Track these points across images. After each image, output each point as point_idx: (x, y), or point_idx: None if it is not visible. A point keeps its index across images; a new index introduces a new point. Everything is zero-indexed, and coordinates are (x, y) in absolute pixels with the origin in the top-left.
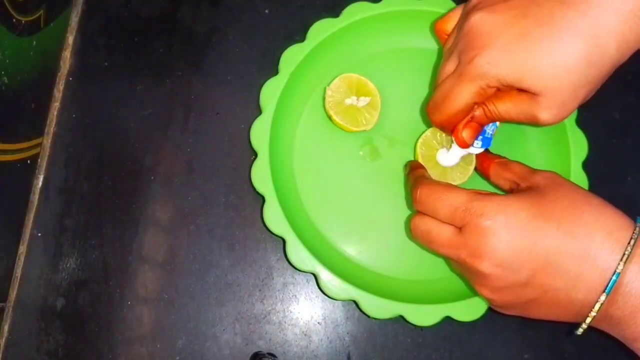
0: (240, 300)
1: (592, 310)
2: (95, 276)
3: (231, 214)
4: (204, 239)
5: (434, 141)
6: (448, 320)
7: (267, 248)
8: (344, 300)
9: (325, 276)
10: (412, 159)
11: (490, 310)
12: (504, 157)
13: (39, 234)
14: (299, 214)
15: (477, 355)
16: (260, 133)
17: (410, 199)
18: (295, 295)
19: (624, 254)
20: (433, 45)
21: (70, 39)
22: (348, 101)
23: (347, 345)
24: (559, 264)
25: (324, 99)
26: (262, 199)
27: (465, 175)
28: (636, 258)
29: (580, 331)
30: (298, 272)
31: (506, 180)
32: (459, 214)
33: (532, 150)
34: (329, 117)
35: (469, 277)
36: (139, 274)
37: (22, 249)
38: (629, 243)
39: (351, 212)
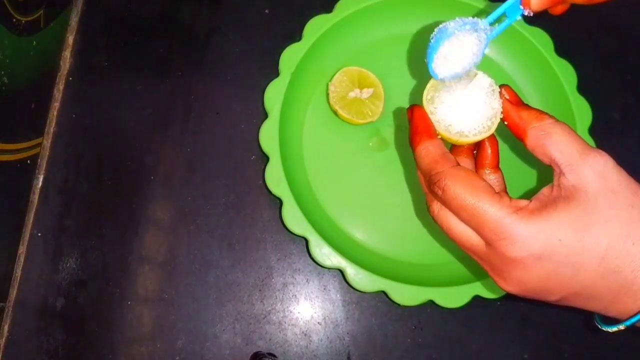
0: (240, 300)
1: (619, 325)
2: (95, 276)
3: (231, 214)
4: (204, 239)
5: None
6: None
7: (267, 248)
8: (372, 292)
9: (352, 270)
10: None
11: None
12: (542, 113)
13: (39, 234)
14: (316, 212)
15: (477, 355)
16: (269, 136)
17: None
18: (295, 295)
19: None
20: (426, 29)
21: (70, 39)
22: (352, 94)
23: (347, 345)
24: (594, 294)
25: (327, 94)
26: (280, 202)
27: (484, 131)
28: None
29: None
30: (298, 272)
31: (547, 157)
32: (486, 232)
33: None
34: (335, 112)
35: (491, 276)
36: (139, 274)
37: (22, 249)
38: None
39: (368, 204)
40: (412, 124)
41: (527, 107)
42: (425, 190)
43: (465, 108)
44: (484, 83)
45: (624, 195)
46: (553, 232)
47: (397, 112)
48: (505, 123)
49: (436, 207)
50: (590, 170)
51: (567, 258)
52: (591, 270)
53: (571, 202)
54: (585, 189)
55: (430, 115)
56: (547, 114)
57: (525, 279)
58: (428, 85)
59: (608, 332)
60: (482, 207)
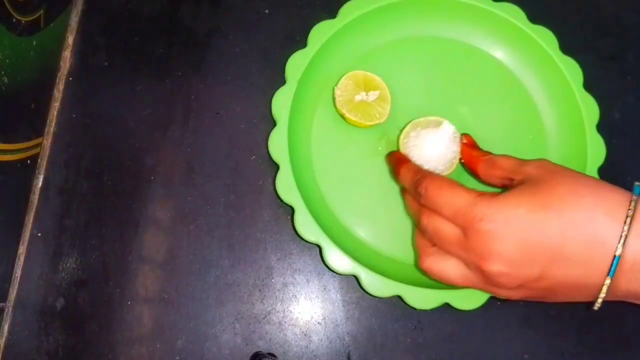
0: (240, 300)
1: (600, 293)
2: (95, 276)
3: (231, 214)
4: (204, 239)
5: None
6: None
7: (267, 248)
8: (388, 297)
9: (366, 276)
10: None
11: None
12: (490, 153)
13: (39, 234)
14: (328, 218)
15: (477, 355)
16: (278, 144)
17: (404, 189)
18: (295, 295)
19: (621, 235)
20: (430, 32)
21: (70, 39)
22: (358, 97)
23: (347, 345)
24: (567, 254)
25: (334, 99)
26: (291, 210)
27: (446, 170)
28: (636, 232)
29: (596, 307)
30: (298, 272)
31: (497, 177)
32: (461, 217)
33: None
34: (342, 116)
35: (484, 282)
36: (139, 274)
37: (22, 249)
38: (624, 222)
39: (380, 209)
40: (394, 161)
41: (478, 148)
42: (413, 211)
43: (431, 152)
44: (448, 131)
45: (561, 170)
46: (511, 201)
47: (404, 115)
48: (462, 161)
49: (425, 216)
50: (530, 168)
51: (529, 218)
52: (555, 226)
53: (522, 185)
54: (530, 177)
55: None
56: (490, 152)
57: (503, 250)
58: (404, 132)
59: (604, 298)
60: (456, 195)
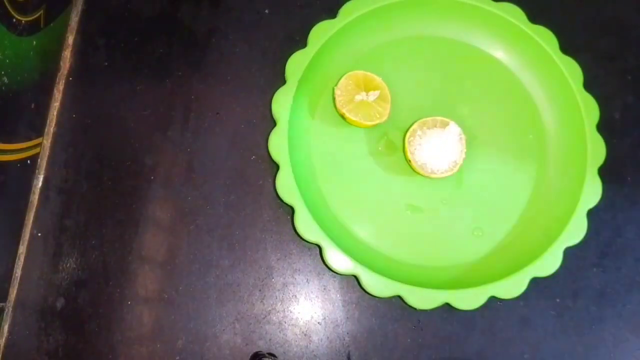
0: (240, 300)
1: None
2: (95, 276)
3: (231, 214)
4: (204, 239)
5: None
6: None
7: (267, 248)
8: (388, 297)
9: (366, 276)
10: None
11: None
12: None
13: (39, 234)
14: (329, 218)
15: (477, 355)
16: (278, 144)
17: None
18: (295, 295)
19: None
20: (430, 32)
21: (70, 39)
22: (358, 97)
23: (347, 345)
24: None
25: (334, 99)
26: (291, 210)
27: (449, 170)
28: None
29: None
30: (298, 272)
31: None
32: None
33: (549, 160)
34: (342, 116)
35: None
36: (139, 274)
37: (22, 249)
38: None
39: (380, 209)
40: None
41: None
42: None
43: (436, 152)
44: (454, 132)
45: None
46: None
47: (404, 115)
48: None
49: None
50: None
51: None
52: None
53: None
54: None
55: (410, 155)
56: None
57: None
58: (410, 130)
59: None
60: None
